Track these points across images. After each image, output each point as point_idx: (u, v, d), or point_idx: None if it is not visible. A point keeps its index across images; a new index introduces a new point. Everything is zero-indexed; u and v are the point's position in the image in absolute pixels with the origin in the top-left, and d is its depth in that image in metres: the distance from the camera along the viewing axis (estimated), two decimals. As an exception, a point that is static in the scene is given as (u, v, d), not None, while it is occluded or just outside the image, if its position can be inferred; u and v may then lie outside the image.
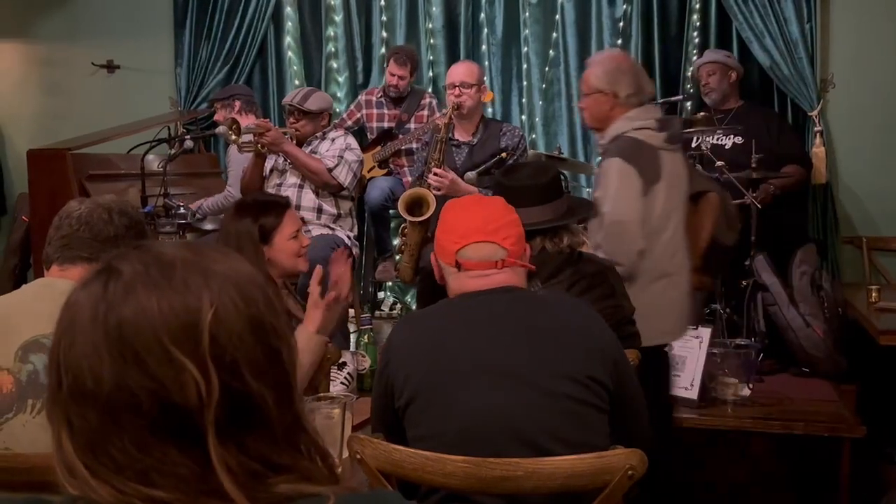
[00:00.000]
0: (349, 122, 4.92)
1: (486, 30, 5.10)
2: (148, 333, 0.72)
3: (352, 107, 5.00)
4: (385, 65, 4.93)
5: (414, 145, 4.66)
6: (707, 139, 4.08)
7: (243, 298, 0.77)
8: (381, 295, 5.00)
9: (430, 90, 5.04)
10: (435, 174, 3.81)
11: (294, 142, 4.13)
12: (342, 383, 2.70)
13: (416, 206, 3.77)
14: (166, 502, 0.71)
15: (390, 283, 4.93)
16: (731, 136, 4.20)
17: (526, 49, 5.04)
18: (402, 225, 3.93)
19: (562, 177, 2.48)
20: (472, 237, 1.74)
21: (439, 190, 3.79)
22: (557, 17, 4.97)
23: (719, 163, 3.58)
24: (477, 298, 1.73)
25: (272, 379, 0.77)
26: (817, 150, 4.45)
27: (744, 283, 3.57)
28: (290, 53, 5.33)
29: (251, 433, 0.74)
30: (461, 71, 4.05)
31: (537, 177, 2.31)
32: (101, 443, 0.72)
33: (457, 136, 4.05)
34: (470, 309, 1.73)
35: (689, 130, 4.15)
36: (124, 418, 0.72)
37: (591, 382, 1.64)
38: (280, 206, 2.56)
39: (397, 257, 4.18)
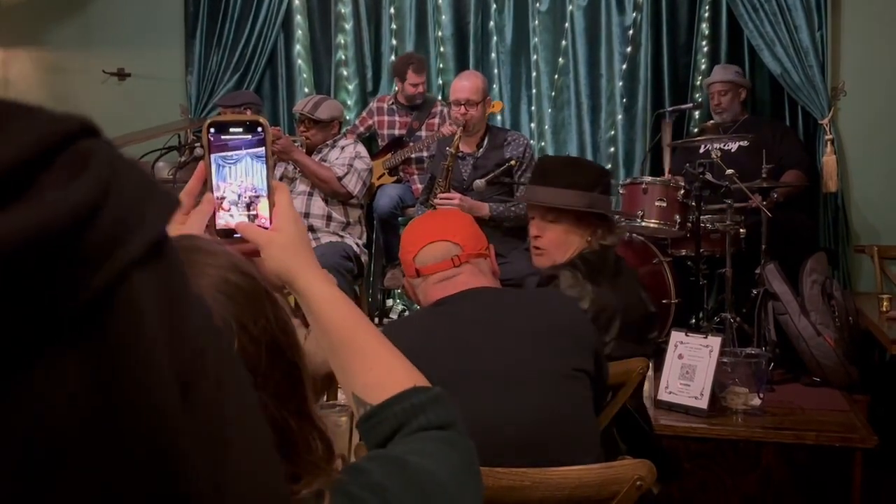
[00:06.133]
0: (361, 129, 4.93)
1: (495, 38, 5.10)
2: None
3: (364, 113, 5.02)
4: (393, 75, 4.94)
5: (424, 154, 4.67)
6: (716, 146, 4.06)
7: (254, 317, 0.73)
8: (389, 302, 5.00)
9: (439, 97, 5.05)
10: (439, 198, 3.82)
11: (304, 150, 4.14)
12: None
13: None
14: None
15: (399, 291, 4.94)
16: (737, 141, 4.19)
17: (535, 57, 5.03)
18: None
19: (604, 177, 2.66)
20: (424, 240, 1.79)
21: None
22: (567, 25, 4.96)
23: (729, 171, 3.56)
24: (444, 305, 1.73)
25: (295, 401, 0.74)
26: (828, 159, 4.42)
27: (754, 291, 3.56)
28: (300, 61, 5.35)
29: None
30: (466, 87, 3.96)
31: (576, 164, 2.65)
32: None
33: (461, 149, 4.02)
34: (443, 316, 1.72)
35: (697, 139, 4.15)
36: None
37: (580, 374, 1.68)
38: None
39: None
